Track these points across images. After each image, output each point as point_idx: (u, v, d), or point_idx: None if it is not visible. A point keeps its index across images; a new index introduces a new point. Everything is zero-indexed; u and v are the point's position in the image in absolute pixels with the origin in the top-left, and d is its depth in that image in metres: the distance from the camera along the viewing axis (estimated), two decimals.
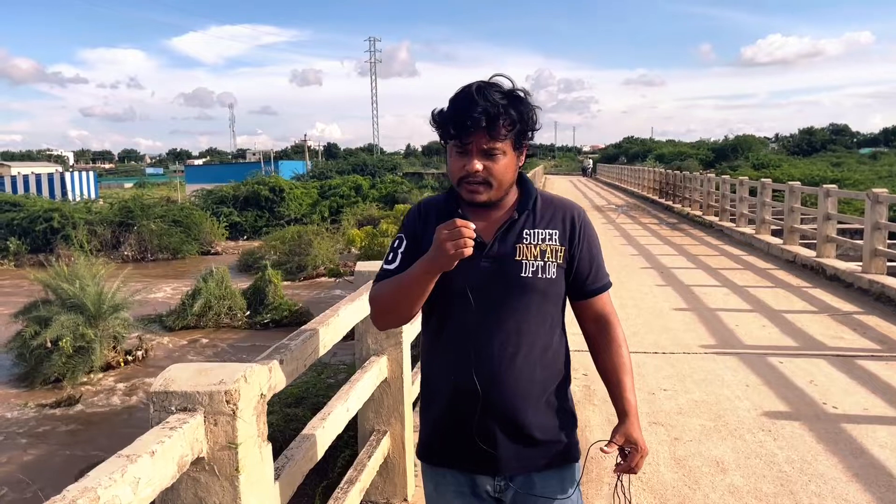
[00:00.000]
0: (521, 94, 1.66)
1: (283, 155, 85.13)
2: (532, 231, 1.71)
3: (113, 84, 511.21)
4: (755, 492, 3.61)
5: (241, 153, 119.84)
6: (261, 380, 1.55)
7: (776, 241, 12.38)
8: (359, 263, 2.98)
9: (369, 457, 2.75)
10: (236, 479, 1.44)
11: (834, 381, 5.27)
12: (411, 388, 3.13)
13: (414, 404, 3.20)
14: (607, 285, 1.82)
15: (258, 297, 19.16)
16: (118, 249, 30.70)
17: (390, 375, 2.94)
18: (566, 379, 1.80)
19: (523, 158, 1.72)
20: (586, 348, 1.89)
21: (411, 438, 3.10)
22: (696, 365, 5.69)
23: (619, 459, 1.75)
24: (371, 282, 1.82)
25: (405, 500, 3.07)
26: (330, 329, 2.23)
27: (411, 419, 3.15)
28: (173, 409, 1.39)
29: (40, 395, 11.97)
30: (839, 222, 10.83)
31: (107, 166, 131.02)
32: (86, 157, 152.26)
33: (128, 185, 72.01)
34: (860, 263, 9.26)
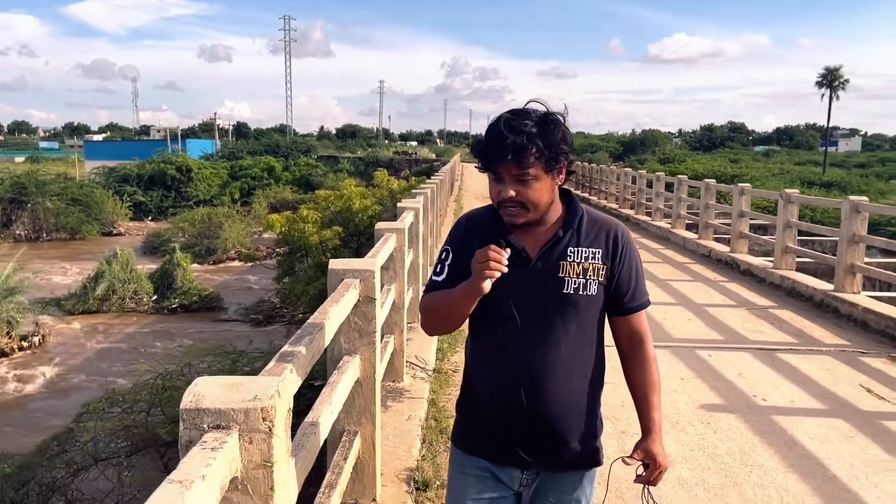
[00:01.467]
0: (553, 120, 1.71)
1: (190, 133, 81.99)
2: (576, 249, 1.78)
3: (2, 51, 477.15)
4: (703, 483, 3.73)
5: (145, 129, 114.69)
6: (290, 394, 1.46)
7: (692, 235, 12.90)
8: (332, 262, 2.88)
9: (344, 459, 2.67)
10: (271, 497, 1.35)
11: (760, 374, 5.53)
12: (381, 387, 3.06)
13: (383, 401, 3.13)
14: (645, 304, 1.89)
15: (166, 281, 18.41)
16: (9, 228, 28.85)
17: (363, 376, 2.85)
18: (599, 387, 1.87)
19: (562, 177, 1.76)
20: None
21: (380, 438, 3.04)
22: None
23: (641, 471, 1.86)
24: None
25: (374, 500, 3.00)
26: (324, 333, 2.14)
27: (380, 420, 3.08)
28: (206, 426, 1.29)
29: None
30: (751, 219, 11.38)
31: None
32: None
33: (19, 159, 67.62)
34: (771, 259, 9.76)
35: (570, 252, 1.77)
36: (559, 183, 1.77)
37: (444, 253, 1.87)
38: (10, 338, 13.79)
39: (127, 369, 12.37)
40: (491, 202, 1.81)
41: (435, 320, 1.85)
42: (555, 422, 1.78)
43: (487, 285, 1.63)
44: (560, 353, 1.77)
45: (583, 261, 1.77)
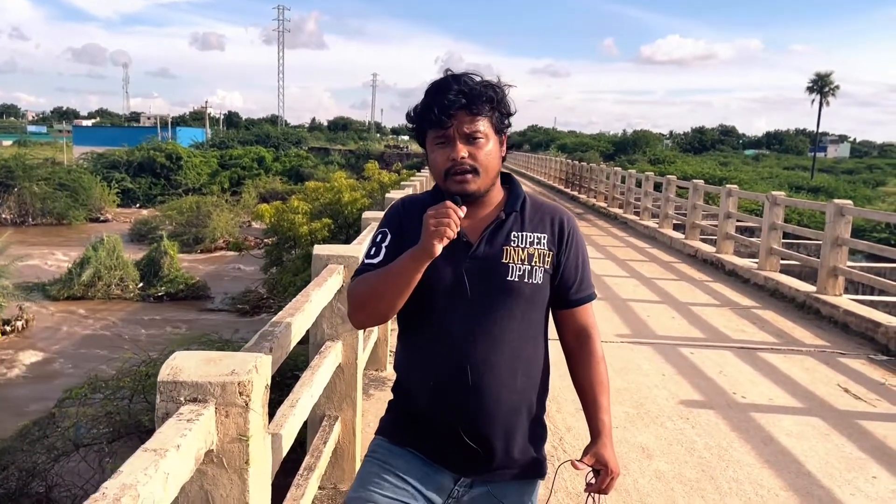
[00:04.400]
0: (499, 83, 1.65)
1: (180, 121, 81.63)
2: (520, 234, 1.66)
3: None
4: (679, 477, 3.77)
5: (135, 116, 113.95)
6: (267, 370, 1.48)
7: (678, 235, 12.99)
8: (316, 247, 2.90)
9: (324, 443, 2.69)
10: (245, 471, 1.37)
11: (741, 372, 5.59)
12: (363, 375, 3.08)
13: (365, 389, 3.15)
14: (592, 296, 1.78)
15: (152, 269, 18.34)
16: None
17: (344, 361, 2.87)
18: (544, 391, 1.75)
19: (504, 149, 1.68)
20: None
21: (360, 424, 3.06)
22: (614, 353, 5.88)
23: (591, 478, 1.70)
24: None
25: None
26: (305, 314, 2.16)
27: (361, 405, 3.11)
28: (182, 399, 1.30)
29: None
30: (737, 221, 11.47)
31: None
32: None
33: (6, 142, 67.13)
34: (756, 260, 9.85)
35: (514, 237, 1.65)
36: (502, 154, 1.67)
37: (380, 235, 1.70)
38: None
39: (111, 356, 12.30)
40: (434, 180, 1.68)
41: (370, 299, 1.61)
42: (492, 420, 1.62)
43: (439, 248, 1.48)
44: (504, 349, 1.63)
45: (528, 246, 1.65)
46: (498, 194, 1.69)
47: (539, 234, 1.68)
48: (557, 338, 1.81)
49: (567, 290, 1.73)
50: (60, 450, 6.70)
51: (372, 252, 1.68)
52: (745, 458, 4.03)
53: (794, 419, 4.66)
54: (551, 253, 1.68)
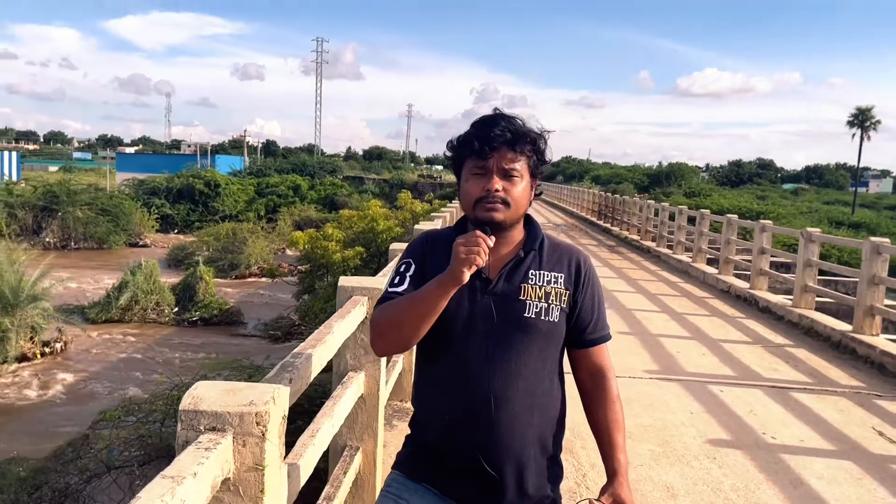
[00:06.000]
0: (542, 133, 1.72)
1: (220, 149, 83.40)
2: (538, 272, 1.70)
3: (43, 62, 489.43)
4: None
5: (176, 144, 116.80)
6: (285, 401, 1.53)
7: (712, 270, 12.84)
8: (341, 279, 2.96)
9: (344, 473, 2.72)
10: (261, 500, 1.41)
11: (771, 412, 5.49)
12: (385, 405, 3.12)
13: (388, 420, 3.18)
14: (607, 336, 1.80)
15: (188, 294, 18.67)
16: (39, 235, 29.46)
17: (367, 392, 2.92)
18: (560, 429, 1.76)
19: (534, 194, 1.73)
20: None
21: (381, 455, 3.09)
22: (642, 390, 5.84)
23: None
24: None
25: None
26: (326, 346, 2.21)
27: (383, 436, 3.14)
28: (202, 428, 1.36)
29: None
30: (772, 256, 11.32)
31: (31, 147, 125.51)
32: (8, 135, 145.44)
33: (53, 168, 69.18)
34: (790, 297, 9.69)
35: (532, 275, 1.69)
36: (531, 198, 1.73)
37: (404, 265, 1.74)
38: (33, 343, 14.05)
39: (144, 379, 12.55)
40: (463, 211, 1.73)
41: (393, 326, 1.63)
42: (509, 458, 1.64)
43: (468, 275, 1.51)
44: (520, 384, 1.65)
45: (545, 284, 1.69)
46: (519, 234, 1.74)
47: (556, 274, 1.72)
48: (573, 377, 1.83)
49: (583, 329, 1.76)
50: (93, 471, 6.82)
51: (396, 281, 1.71)
52: (772, 501, 3.95)
53: (825, 462, 4.56)
54: (568, 292, 1.72)
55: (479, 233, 1.52)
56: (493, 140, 1.62)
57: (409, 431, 1.85)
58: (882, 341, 7.40)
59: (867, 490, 4.15)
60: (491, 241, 1.53)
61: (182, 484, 1.14)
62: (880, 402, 5.89)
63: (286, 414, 1.54)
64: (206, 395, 1.41)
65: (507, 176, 1.64)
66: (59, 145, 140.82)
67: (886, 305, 8.05)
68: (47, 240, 29.01)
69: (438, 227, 6.50)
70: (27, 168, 66.04)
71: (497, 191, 1.63)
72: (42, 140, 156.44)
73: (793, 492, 4.09)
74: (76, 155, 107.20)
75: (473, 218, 1.68)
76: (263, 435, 1.40)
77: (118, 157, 64.70)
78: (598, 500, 1.68)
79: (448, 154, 1.73)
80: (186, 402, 1.38)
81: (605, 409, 1.76)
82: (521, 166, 1.66)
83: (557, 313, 1.69)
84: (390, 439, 4.00)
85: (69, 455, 7.36)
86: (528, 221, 1.78)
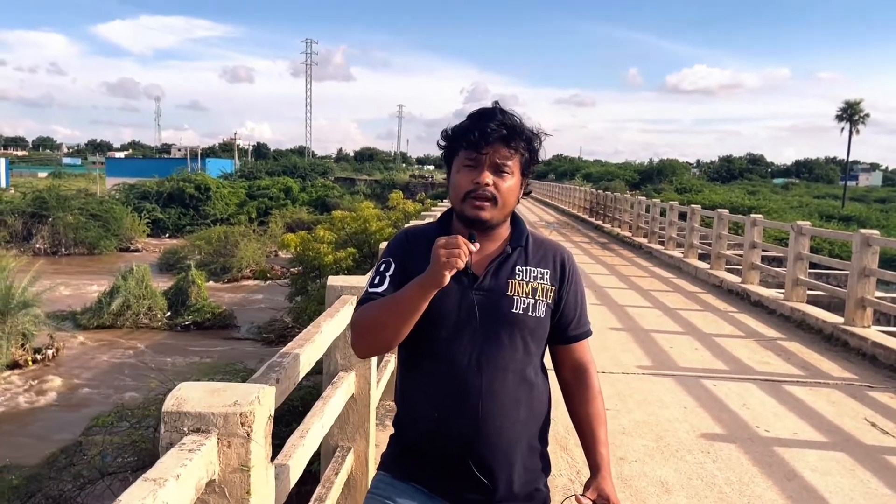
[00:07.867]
0: (539, 132, 1.73)
1: (210, 152, 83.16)
2: (524, 268, 1.70)
3: (31, 68, 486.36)
4: None
5: (167, 148, 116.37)
6: (271, 401, 1.51)
7: (703, 265, 12.87)
8: (330, 278, 2.94)
9: (336, 474, 2.71)
10: (247, 501, 1.39)
11: (764, 405, 5.50)
12: (377, 405, 3.10)
13: (381, 420, 3.17)
14: (589, 332, 1.82)
15: (180, 298, 18.59)
16: (29, 242, 29.29)
17: (357, 392, 2.90)
18: (546, 424, 1.76)
19: (522, 192, 1.73)
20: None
21: (373, 455, 3.07)
22: (635, 385, 5.84)
23: None
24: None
25: None
26: (315, 345, 2.19)
27: (374, 436, 3.12)
28: (186, 429, 1.34)
29: None
30: (763, 250, 11.35)
31: (20, 153, 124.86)
32: None
33: (42, 174, 68.85)
34: (782, 291, 9.71)
35: (519, 270, 1.69)
36: (519, 195, 1.72)
37: (384, 265, 1.72)
38: (24, 350, 13.96)
39: (137, 384, 12.48)
40: (451, 203, 1.72)
41: (375, 328, 1.61)
42: (498, 454, 1.64)
43: (447, 278, 1.49)
44: (507, 380, 1.65)
45: (532, 280, 1.70)
46: (505, 231, 1.73)
47: (542, 270, 1.73)
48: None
49: (567, 325, 1.77)
50: (86, 478, 6.78)
51: (376, 281, 1.69)
52: (766, 494, 3.95)
53: (818, 454, 4.57)
54: (553, 288, 1.73)
55: (460, 238, 1.49)
56: (489, 134, 1.62)
57: (392, 435, 1.83)
58: (873, 333, 7.42)
59: (860, 481, 4.16)
60: (475, 246, 1.52)
61: (164, 486, 1.12)
62: (872, 394, 5.90)
63: (272, 414, 1.52)
64: (189, 395, 1.39)
65: (499, 171, 1.64)
66: (49, 151, 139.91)
67: (877, 297, 8.09)
68: (37, 246, 28.86)
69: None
70: (16, 174, 65.70)
71: (487, 184, 1.62)
72: (31, 146, 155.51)
73: (787, 484, 4.09)
74: (65, 160, 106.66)
75: (460, 212, 1.67)
76: (249, 435, 1.38)
77: (108, 161, 64.45)
78: (582, 495, 1.69)
79: (441, 143, 1.72)
80: (170, 404, 1.36)
81: (587, 405, 1.78)
82: (513, 163, 1.65)
83: (544, 309, 1.70)
84: (382, 439, 3.98)
85: (62, 462, 7.32)
86: (514, 218, 1.77)
